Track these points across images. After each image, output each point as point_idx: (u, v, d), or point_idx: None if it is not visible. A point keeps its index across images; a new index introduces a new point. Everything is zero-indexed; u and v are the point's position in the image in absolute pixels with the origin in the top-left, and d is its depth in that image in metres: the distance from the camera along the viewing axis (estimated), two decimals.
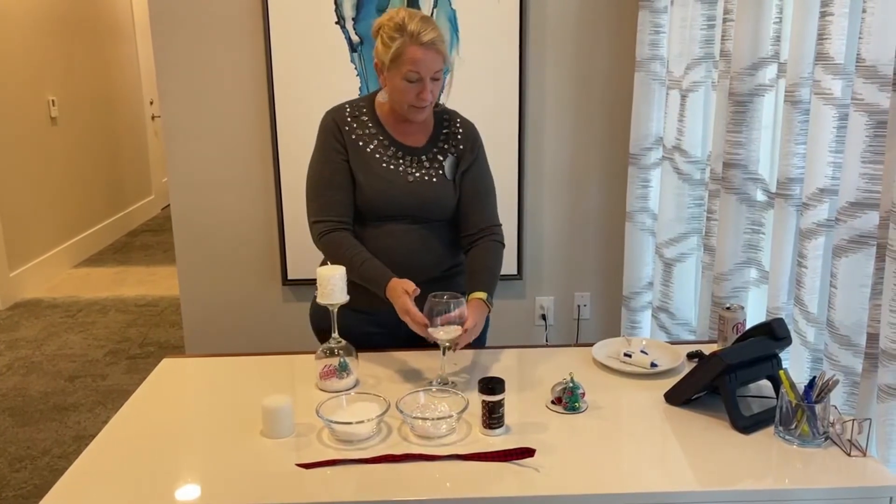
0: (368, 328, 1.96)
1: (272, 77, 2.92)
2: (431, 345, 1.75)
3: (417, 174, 1.92)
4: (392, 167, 1.91)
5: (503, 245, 2.00)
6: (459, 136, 1.97)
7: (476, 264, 1.93)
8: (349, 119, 1.93)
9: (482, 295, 1.83)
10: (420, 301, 1.70)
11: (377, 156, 1.91)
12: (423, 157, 1.93)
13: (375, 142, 1.92)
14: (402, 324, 1.75)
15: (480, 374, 1.69)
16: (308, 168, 1.96)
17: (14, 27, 4.75)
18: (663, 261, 2.67)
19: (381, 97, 1.94)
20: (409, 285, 1.75)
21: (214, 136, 3.00)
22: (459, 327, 1.67)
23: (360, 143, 1.91)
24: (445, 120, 1.98)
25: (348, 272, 1.77)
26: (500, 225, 2.01)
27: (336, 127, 1.92)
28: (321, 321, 1.97)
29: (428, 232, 1.93)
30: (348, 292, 1.73)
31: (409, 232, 1.92)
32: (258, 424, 1.55)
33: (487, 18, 2.91)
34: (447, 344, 1.68)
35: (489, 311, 1.83)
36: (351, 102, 1.97)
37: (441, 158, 1.94)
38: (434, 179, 1.92)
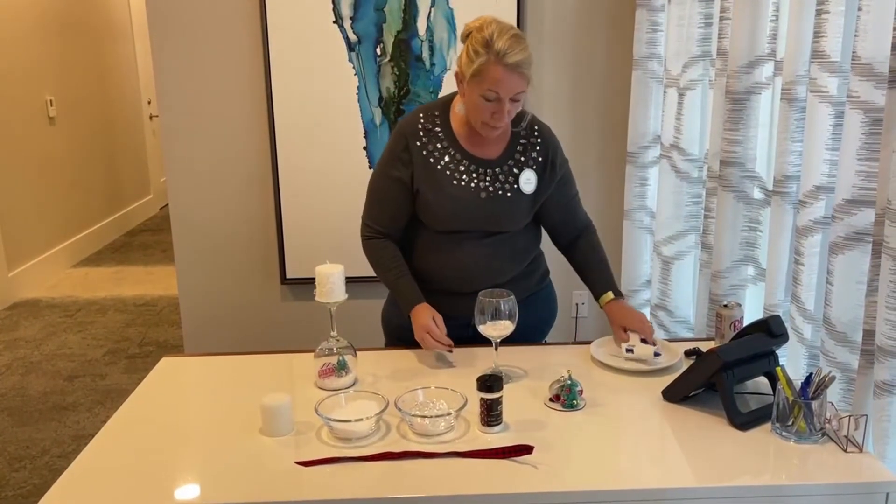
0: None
1: (270, 76, 2.92)
2: (486, 343, 1.75)
3: (491, 189, 1.86)
4: (464, 184, 1.86)
5: (595, 229, 2.08)
6: (539, 148, 1.90)
7: (592, 263, 2.02)
8: (421, 133, 1.87)
9: (610, 296, 1.95)
10: (470, 301, 1.72)
11: (448, 173, 1.86)
12: (498, 171, 1.87)
13: (447, 157, 1.86)
14: (466, 328, 1.81)
15: (478, 371, 1.69)
16: (376, 165, 1.95)
17: (12, 27, 4.74)
18: (661, 259, 2.68)
19: (459, 107, 1.87)
20: (438, 318, 1.81)
21: (212, 135, 3.00)
22: (510, 323, 1.68)
23: (431, 160, 1.86)
24: (523, 127, 1.90)
25: (382, 279, 1.91)
26: (589, 218, 2.08)
27: (405, 144, 1.87)
28: (393, 318, 2.02)
29: (498, 243, 1.91)
30: (432, 303, 1.86)
31: (478, 245, 1.89)
32: (257, 423, 1.56)
33: None
34: (498, 340, 1.70)
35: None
36: (426, 110, 1.90)
37: (517, 172, 1.88)
38: (508, 194, 1.87)
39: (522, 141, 1.90)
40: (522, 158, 1.89)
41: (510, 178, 1.88)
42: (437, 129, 1.88)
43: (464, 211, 1.86)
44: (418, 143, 1.87)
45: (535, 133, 1.92)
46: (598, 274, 2.00)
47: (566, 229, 2.04)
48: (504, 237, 1.92)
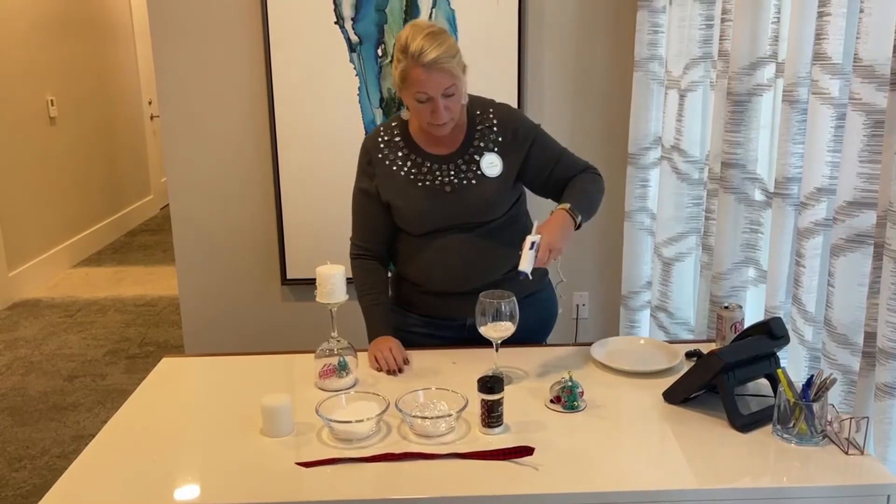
0: (431, 331, 2.00)
1: (271, 76, 2.92)
2: (482, 342, 1.75)
3: (455, 181, 1.87)
4: (428, 183, 1.88)
5: (600, 176, 1.96)
6: (496, 129, 1.90)
7: (568, 188, 1.90)
8: (382, 145, 1.91)
9: (564, 205, 1.79)
10: (470, 301, 1.72)
11: (412, 177, 1.88)
12: (460, 161, 1.88)
13: (409, 162, 1.89)
14: (463, 329, 1.83)
15: (479, 373, 1.69)
16: None
17: (13, 27, 4.75)
18: (662, 260, 2.68)
19: (405, 113, 1.91)
20: (396, 349, 1.83)
21: (213, 135, 3.00)
22: (511, 324, 1.67)
23: (394, 168, 1.90)
24: (478, 114, 1.91)
25: (359, 301, 1.95)
26: (590, 163, 1.98)
27: (367, 159, 1.93)
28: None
29: (483, 237, 1.90)
30: (418, 302, 1.90)
31: (462, 242, 1.89)
32: (258, 423, 1.55)
33: (486, 19, 2.92)
34: (498, 341, 1.69)
35: (577, 226, 1.78)
36: (385, 124, 1.95)
37: (478, 158, 1.88)
38: (473, 182, 1.87)
39: (479, 127, 1.91)
40: (482, 144, 1.90)
41: (472, 166, 1.88)
42: (398, 138, 1.91)
43: (434, 209, 1.88)
44: (380, 156, 1.91)
45: (491, 115, 1.92)
46: (569, 192, 1.88)
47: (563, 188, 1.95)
48: (488, 230, 1.90)
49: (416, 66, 1.72)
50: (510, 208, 1.94)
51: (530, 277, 1.65)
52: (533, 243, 1.65)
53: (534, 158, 1.92)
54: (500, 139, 1.90)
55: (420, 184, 1.88)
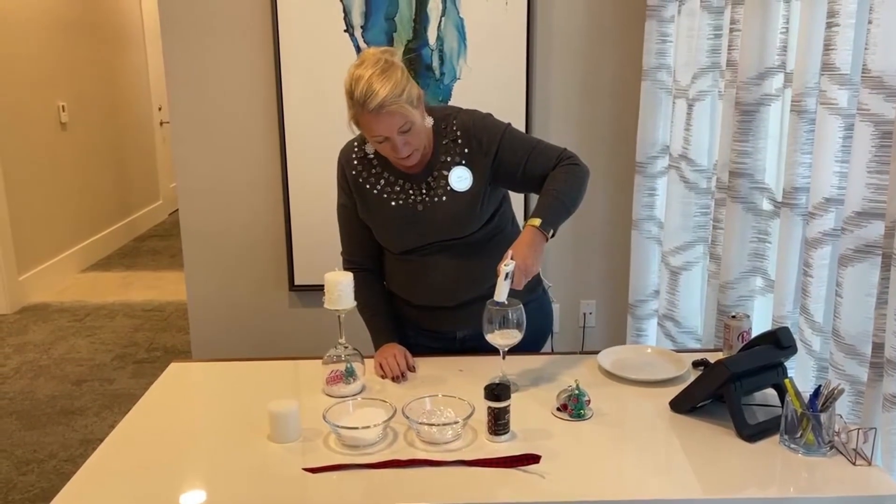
0: (426, 342, 2.00)
1: (280, 84, 2.94)
2: (484, 350, 1.76)
3: (427, 199, 1.84)
4: (402, 202, 1.85)
5: (577, 165, 1.83)
6: (461, 141, 1.84)
7: (542, 193, 1.81)
8: (355, 162, 1.89)
9: (535, 221, 1.72)
10: (459, 315, 1.70)
11: (385, 196, 1.86)
12: (430, 179, 1.85)
13: (382, 181, 1.87)
14: (453, 342, 1.84)
15: (486, 380, 1.69)
16: None
17: (24, 32, 4.79)
18: (669, 269, 2.68)
19: (368, 148, 1.88)
20: (400, 355, 1.84)
21: (223, 141, 3.02)
22: (518, 332, 1.67)
23: (367, 187, 1.87)
24: (443, 128, 1.85)
25: (360, 313, 1.91)
26: (565, 150, 1.86)
27: (343, 173, 1.91)
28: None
29: (464, 253, 1.87)
30: (409, 314, 1.90)
31: (443, 260, 1.87)
32: (265, 429, 1.56)
33: (495, 27, 2.93)
34: (506, 348, 1.69)
35: (547, 238, 1.73)
36: (361, 137, 1.89)
37: (446, 173, 1.84)
38: (444, 199, 1.84)
39: (445, 141, 1.85)
40: (449, 158, 1.84)
41: (442, 182, 1.84)
42: (371, 155, 1.88)
43: (408, 228, 1.85)
44: (353, 173, 1.88)
45: (454, 126, 1.84)
46: (541, 201, 1.80)
47: (541, 182, 1.86)
48: (469, 244, 1.87)
49: (364, 113, 1.68)
50: (490, 219, 1.89)
51: (506, 303, 1.67)
52: (507, 274, 1.66)
53: (504, 163, 1.84)
54: (465, 150, 1.83)
55: (393, 203, 1.86)
